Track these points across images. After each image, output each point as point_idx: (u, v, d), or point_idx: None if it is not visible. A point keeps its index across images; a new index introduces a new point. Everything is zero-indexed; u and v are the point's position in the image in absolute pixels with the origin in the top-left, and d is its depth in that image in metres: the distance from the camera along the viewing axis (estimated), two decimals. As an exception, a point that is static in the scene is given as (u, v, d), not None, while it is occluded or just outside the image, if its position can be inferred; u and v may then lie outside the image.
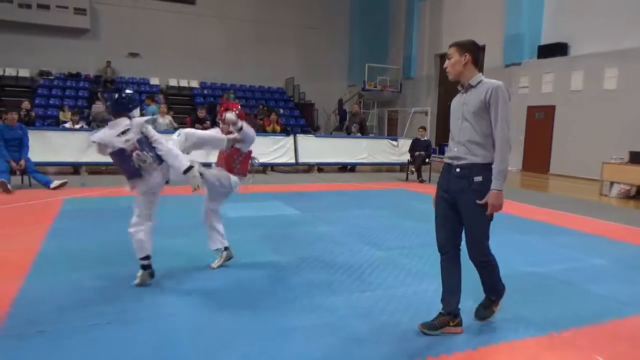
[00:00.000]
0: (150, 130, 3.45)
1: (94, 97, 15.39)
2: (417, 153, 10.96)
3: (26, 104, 11.69)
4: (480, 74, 2.86)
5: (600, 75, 12.66)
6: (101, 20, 18.89)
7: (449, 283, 2.93)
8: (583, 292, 3.77)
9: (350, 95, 22.18)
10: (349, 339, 2.78)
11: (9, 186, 7.37)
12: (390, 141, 13.78)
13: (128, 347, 2.61)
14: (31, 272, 3.78)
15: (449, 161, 2.88)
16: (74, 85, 17.94)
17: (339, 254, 4.59)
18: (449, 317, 2.89)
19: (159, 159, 3.43)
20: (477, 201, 2.76)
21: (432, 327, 2.84)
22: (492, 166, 2.75)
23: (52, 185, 7.84)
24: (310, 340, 2.75)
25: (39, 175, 8.05)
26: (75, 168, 10.55)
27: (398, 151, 13.40)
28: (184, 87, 19.86)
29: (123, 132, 3.35)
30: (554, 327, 3.04)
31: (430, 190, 9.41)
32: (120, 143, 3.32)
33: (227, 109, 3.94)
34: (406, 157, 11.70)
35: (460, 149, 2.82)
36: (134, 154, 3.33)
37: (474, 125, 2.78)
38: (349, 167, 13.46)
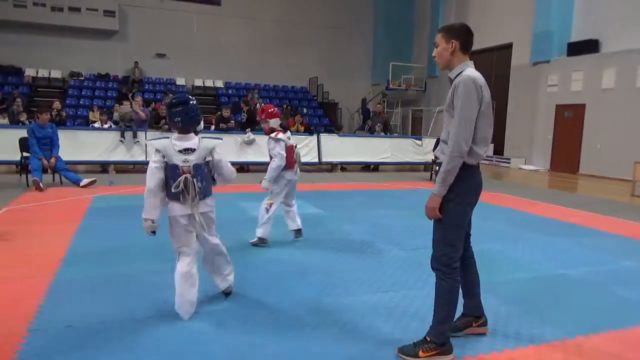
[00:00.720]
0: (217, 155, 3.11)
1: (122, 97, 15.70)
2: (441, 152, 10.81)
3: (57, 104, 12.01)
4: (465, 63, 2.50)
5: (633, 72, 12.27)
6: (129, 22, 19.30)
7: (463, 284, 2.74)
8: (613, 295, 3.66)
9: (374, 95, 22.08)
10: (371, 340, 2.77)
11: (41, 184, 7.61)
12: (415, 140, 13.66)
13: (155, 344, 2.65)
14: (62, 268, 3.89)
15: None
16: (103, 85, 18.39)
17: (362, 254, 4.58)
18: (471, 318, 2.83)
19: (207, 191, 3.05)
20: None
21: (455, 329, 2.76)
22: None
23: (82, 184, 8.05)
24: (334, 340, 2.75)
25: (69, 173, 8.29)
26: (103, 167, 10.82)
27: (422, 150, 13.28)
28: (209, 87, 20.14)
29: (187, 151, 2.96)
30: (582, 330, 2.96)
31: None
32: (178, 161, 2.93)
33: (263, 111, 4.63)
34: (430, 157, 11.57)
35: (441, 146, 2.56)
36: (182, 177, 2.92)
37: (447, 123, 2.51)
38: (372, 166, 13.41)
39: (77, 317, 2.93)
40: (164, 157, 2.94)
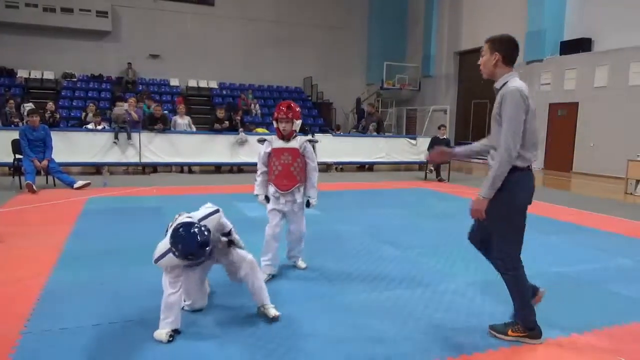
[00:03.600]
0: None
1: (116, 99, 15.65)
2: (436, 152, 10.83)
3: (51, 106, 11.93)
4: (509, 74, 2.64)
5: (625, 70, 12.35)
6: (122, 23, 19.21)
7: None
8: (608, 293, 3.68)
9: (368, 94, 22.10)
10: (368, 338, 2.77)
11: (34, 187, 7.55)
12: (409, 140, 13.68)
13: (149, 347, 2.64)
14: (55, 270, 3.86)
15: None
16: (96, 86, 18.30)
17: (357, 253, 4.58)
18: (519, 326, 2.78)
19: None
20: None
21: (499, 331, 2.83)
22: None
23: (75, 185, 8.00)
24: (330, 339, 2.75)
25: (63, 175, 8.23)
26: (97, 168, 10.77)
27: (417, 150, 13.30)
28: (203, 88, 20.08)
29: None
30: (577, 328, 2.97)
31: (448, 189, 9.35)
32: None
33: (290, 108, 3.95)
34: (425, 156, 11.59)
35: (491, 153, 2.70)
36: None
37: (495, 130, 2.65)
38: (367, 166, 13.42)
39: (71, 319, 2.91)
40: None
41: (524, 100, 2.53)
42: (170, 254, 2.68)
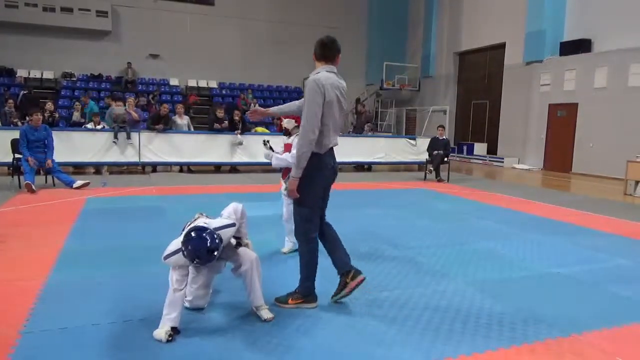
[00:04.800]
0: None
1: (115, 98, 15.64)
2: (435, 152, 10.86)
3: (50, 105, 11.92)
4: (319, 68, 3.07)
5: (625, 71, 12.36)
6: (122, 23, 19.20)
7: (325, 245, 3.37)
8: (607, 293, 3.68)
9: (368, 95, 22.11)
10: (366, 339, 2.77)
11: (33, 187, 7.54)
12: (409, 140, 13.68)
13: (147, 345, 2.64)
14: (54, 269, 3.86)
15: None
16: (96, 86, 18.28)
17: (356, 253, 4.56)
18: (344, 275, 3.24)
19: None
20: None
21: (338, 291, 3.23)
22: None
23: (75, 185, 7.99)
24: (328, 339, 2.75)
25: (62, 175, 8.21)
26: (96, 168, 10.76)
27: (416, 150, 13.30)
28: (203, 88, 20.07)
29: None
30: (576, 328, 2.98)
31: (448, 189, 9.35)
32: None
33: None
34: (424, 156, 11.59)
35: None
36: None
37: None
38: (365, 166, 13.42)
39: (70, 319, 2.91)
40: None
41: (320, 88, 2.91)
42: (180, 254, 2.76)
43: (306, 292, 3.19)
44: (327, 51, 3.08)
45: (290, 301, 3.18)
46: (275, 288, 3.40)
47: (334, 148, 3.15)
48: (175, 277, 2.81)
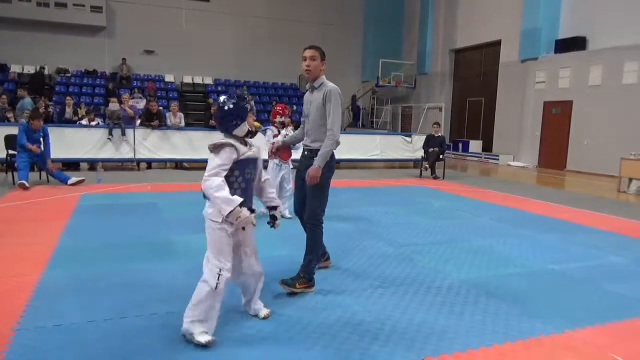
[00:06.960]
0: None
1: (110, 95, 15.57)
2: (430, 149, 10.88)
3: (44, 100, 11.83)
4: (323, 77, 3.54)
5: (619, 69, 12.42)
6: (117, 18, 19.09)
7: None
8: (601, 290, 3.71)
9: (364, 92, 22.11)
10: (361, 336, 2.77)
11: (26, 184, 7.49)
12: (404, 137, 13.70)
13: (142, 340, 2.64)
14: (49, 266, 3.84)
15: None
16: (90, 82, 18.18)
17: (351, 251, 4.58)
18: (303, 279, 3.40)
19: None
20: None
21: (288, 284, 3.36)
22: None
23: (69, 182, 7.96)
24: (325, 336, 2.75)
25: (57, 171, 8.17)
26: (91, 164, 10.71)
27: (412, 147, 13.33)
28: (198, 84, 20.01)
29: None
30: (571, 325, 3.00)
31: (443, 186, 9.38)
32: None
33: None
34: (420, 153, 11.62)
35: None
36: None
37: (316, 116, 3.48)
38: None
39: (65, 315, 2.90)
40: None
41: (340, 97, 3.41)
42: (227, 149, 2.59)
43: (311, 276, 3.43)
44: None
45: (298, 285, 3.35)
46: (267, 290, 3.39)
47: None
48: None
